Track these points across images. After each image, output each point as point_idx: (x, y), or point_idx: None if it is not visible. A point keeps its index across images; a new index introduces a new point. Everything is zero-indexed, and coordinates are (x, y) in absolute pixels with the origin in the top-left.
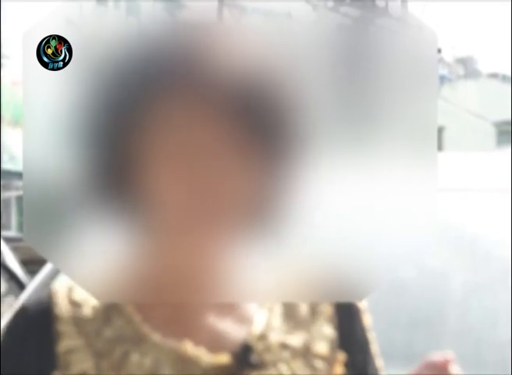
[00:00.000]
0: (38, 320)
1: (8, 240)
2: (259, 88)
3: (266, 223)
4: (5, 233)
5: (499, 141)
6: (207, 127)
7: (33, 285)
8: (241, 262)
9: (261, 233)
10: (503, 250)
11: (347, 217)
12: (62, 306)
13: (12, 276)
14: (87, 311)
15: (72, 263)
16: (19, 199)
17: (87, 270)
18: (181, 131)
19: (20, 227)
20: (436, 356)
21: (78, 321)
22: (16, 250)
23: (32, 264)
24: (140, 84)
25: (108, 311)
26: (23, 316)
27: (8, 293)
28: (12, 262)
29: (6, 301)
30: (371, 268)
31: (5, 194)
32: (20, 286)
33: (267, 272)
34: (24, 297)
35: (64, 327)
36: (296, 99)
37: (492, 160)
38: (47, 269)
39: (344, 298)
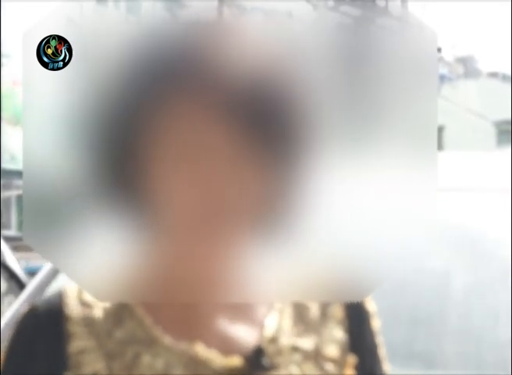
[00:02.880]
0: (48, 321)
1: (9, 239)
2: (263, 88)
3: (275, 223)
4: (5, 232)
5: (500, 141)
6: (213, 129)
7: (33, 285)
8: (251, 262)
9: (271, 233)
10: (503, 250)
11: (347, 217)
12: (73, 307)
13: (12, 276)
14: (98, 312)
15: (72, 263)
16: (20, 198)
17: (87, 270)
18: (187, 132)
19: (20, 227)
20: None
21: (89, 322)
22: (15, 249)
23: None
24: (140, 84)
25: (119, 312)
26: (32, 317)
27: (8, 292)
28: (12, 262)
29: (6, 300)
30: (371, 268)
31: (5, 194)
32: (20, 285)
33: (277, 272)
34: (24, 296)
35: (75, 328)
36: (298, 99)
37: (492, 160)
38: (47, 268)
39: (344, 298)
